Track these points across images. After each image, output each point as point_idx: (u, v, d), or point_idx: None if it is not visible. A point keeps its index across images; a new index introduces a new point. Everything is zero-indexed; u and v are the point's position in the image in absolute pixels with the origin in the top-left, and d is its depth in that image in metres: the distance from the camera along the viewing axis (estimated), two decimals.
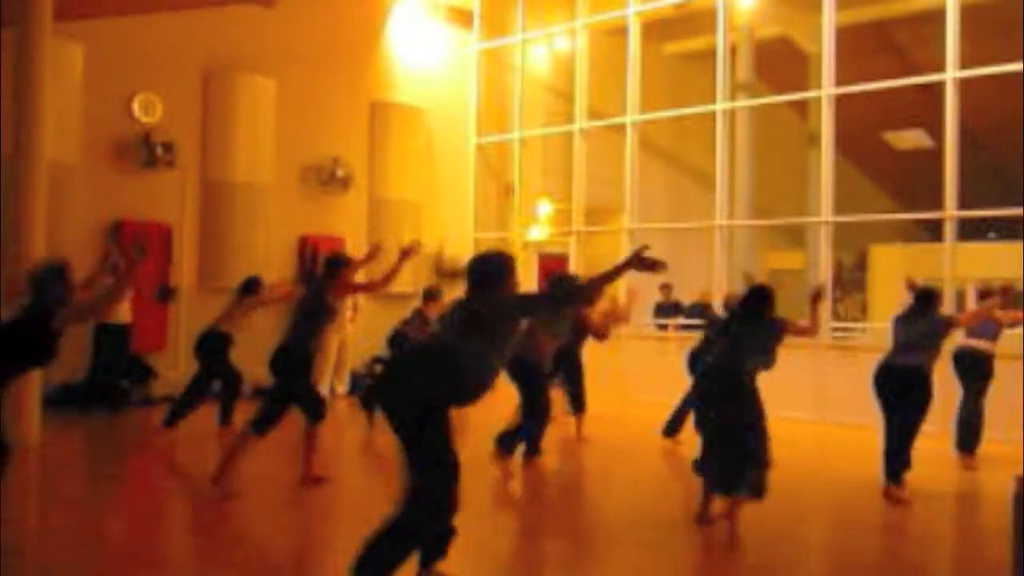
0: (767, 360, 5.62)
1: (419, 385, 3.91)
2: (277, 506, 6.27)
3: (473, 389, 4.00)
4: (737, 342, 5.64)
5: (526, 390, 7.28)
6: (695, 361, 8.55)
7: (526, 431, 7.38)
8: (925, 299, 7.01)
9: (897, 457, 6.65)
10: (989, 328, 8.16)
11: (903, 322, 7.02)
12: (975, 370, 8.11)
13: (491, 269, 4.13)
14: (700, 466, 5.77)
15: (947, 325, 7.06)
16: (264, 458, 7.07)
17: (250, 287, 8.84)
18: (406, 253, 6.58)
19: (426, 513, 3.95)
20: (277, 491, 6.55)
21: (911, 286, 7.26)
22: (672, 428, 8.84)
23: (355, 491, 6.91)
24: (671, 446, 8.67)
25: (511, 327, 4.06)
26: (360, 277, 7.30)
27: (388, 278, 6.90)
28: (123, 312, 9.85)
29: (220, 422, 8.78)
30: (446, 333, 4.08)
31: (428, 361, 3.98)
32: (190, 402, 8.75)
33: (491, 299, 4.03)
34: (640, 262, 3.98)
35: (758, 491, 5.42)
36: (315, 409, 6.57)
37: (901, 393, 6.78)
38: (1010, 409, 8.30)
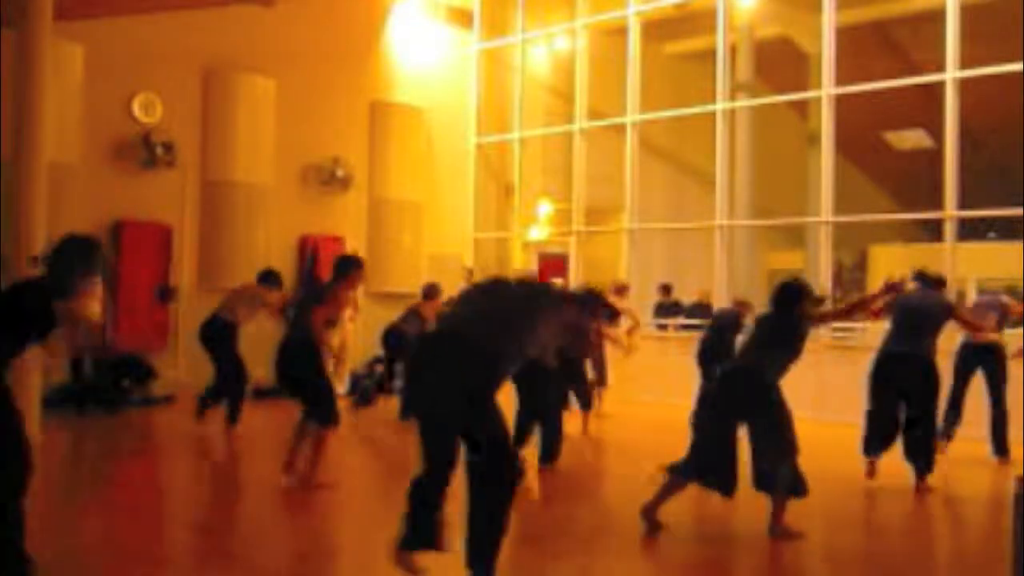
0: (793, 356, 5.60)
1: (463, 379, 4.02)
2: (279, 507, 6.27)
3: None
4: (763, 341, 5.62)
5: (531, 395, 7.30)
6: (705, 356, 8.61)
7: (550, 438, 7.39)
8: (932, 281, 7.08)
9: (924, 453, 6.78)
10: (995, 314, 8.16)
11: (905, 300, 7.01)
12: (984, 362, 8.06)
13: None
14: (686, 470, 5.54)
15: (949, 309, 7.05)
16: (266, 459, 7.07)
17: (270, 279, 8.70)
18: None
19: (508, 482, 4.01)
20: (279, 492, 6.54)
21: (918, 276, 7.26)
22: None
23: (356, 493, 6.90)
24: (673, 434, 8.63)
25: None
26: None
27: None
28: (93, 312, 9.61)
29: (229, 422, 8.61)
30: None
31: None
32: (218, 393, 8.67)
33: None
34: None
35: (799, 488, 5.40)
36: (326, 412, 6.46)
37: (907, 385, 6.78)
38: (1010, 409, 8.26)
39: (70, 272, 4.28)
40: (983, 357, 8.05)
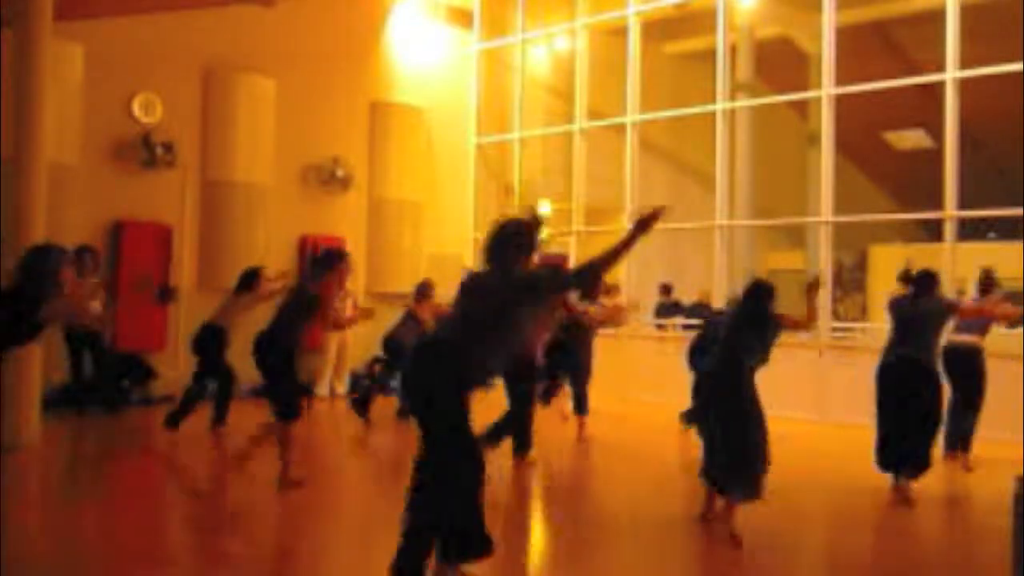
0: (764, 357, 5.62)
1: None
2: (278, 506, 6.26)
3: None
4: (736, 339, 5.63)
5: (510, 383, 7.25)
6: (694, 355, 8.58)
7: (506, 424, 7.32)
8: (925, 280, 6.91)
9: (914, 454, 6.65)
10: (977, 321, 8.07)
11: (902, 304, 6.94)
12: (964, 368, 7.95)
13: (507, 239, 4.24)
14: (705, 472, 5.74)
15: (950, 307, 6.99)
16: (265, 459, 7.07)
17: (248, 280, 8.66)
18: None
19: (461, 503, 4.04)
20: (278, 492, 6.54)
21: (906, 276, 7.17)
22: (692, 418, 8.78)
23: (355, 491, 6.91)
24: (681, 440, 8.61)
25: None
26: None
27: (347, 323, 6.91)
28: (92, 311, 9.54)
29: (212, 423, 8.54)
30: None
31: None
32: (189, 404, 8.63)
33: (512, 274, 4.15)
34: (642, 225, 4.06)
35: (755, 492, 5.41)
36: (287, 408, 6.43)
37: (908, 390, 6.74)
38: (1010, 409, 8.27)
39: (42, 277, 4.36)
40: (968, 360, 7.98)
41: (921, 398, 6.73)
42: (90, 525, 5.71)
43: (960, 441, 8.00)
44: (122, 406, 10.01)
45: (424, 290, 10.18)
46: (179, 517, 6.19)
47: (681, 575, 5.14)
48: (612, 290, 11.34)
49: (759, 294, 5.74)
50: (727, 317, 6.04)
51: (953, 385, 7.97)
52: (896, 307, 7.04)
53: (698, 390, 5.85)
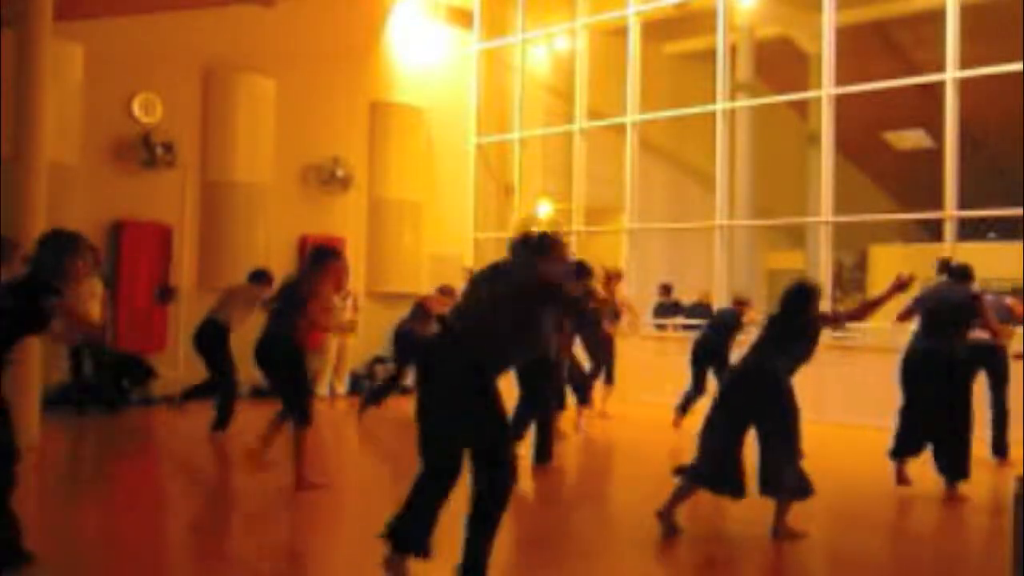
0: (804, 358, 5.53)
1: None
2: (278, 507, 6.27)
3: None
4: (773, 342, 5.53)
5: (528, 382, 7.14)
6: (699, 354, 8.61)
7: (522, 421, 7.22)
8: (961, 271, 6.85)
9: (953, 456, 6.61)
10: (1000, 315, 8.00)
11: (931, 292, 6.88)
12: (988, 362, 7.88)
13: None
14: (696, 476, 5.51)
15: (975, 299, 6.85)
16: (265, 459, 7.07)
17: (260, 278, 8.65)
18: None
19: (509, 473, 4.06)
20: (278, 493, 6.54)
21: (943, 267, 7.03)
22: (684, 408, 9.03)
23: (355, 492, 6.91)
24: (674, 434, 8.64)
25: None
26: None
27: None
28: (92, 312, 9.50)
29: (213, 427, 8.38)
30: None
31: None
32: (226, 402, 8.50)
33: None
34: None
35: (805, 489, 5.37)
36: (299, 412, 6.37)
37: (931, 382, 6.65)
38: (1010, 409, 8.26)
39: (56, 257, 4.32)
40: (987, 357, 7.95)
41: (946, 391, 6.64)
42: (90, 525, 5.71)
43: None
44: (122, 406, 10.01)
45: (447, 290, 10.40)
46: (179, 517, 6.19)
47: (680, 575, 5.14)
48: (614, 277, 11.30)
49: (801, 297, 5.58)
50: (769, 321, 5.94)
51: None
52: (924, 296, 6.94)
53: (727, 392, 5.73)
